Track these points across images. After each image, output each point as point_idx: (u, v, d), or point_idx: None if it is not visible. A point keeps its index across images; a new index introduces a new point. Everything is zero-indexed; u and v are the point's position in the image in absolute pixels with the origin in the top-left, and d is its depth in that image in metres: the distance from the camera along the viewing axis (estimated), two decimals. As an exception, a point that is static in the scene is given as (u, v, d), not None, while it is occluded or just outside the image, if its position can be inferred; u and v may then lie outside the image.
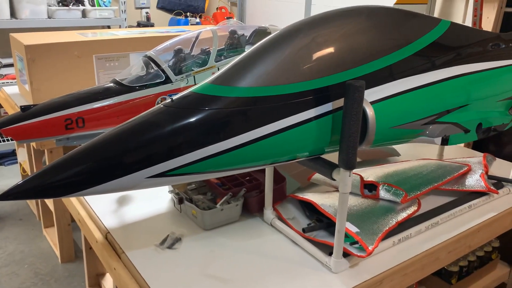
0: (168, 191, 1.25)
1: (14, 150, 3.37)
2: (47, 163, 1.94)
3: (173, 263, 1.01)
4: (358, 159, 1.56)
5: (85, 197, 1.28)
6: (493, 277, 1.55)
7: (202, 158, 0.78)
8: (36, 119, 1.17)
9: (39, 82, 2.01)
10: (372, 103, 0.92)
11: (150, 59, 1.33)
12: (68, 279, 2.08)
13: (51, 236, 2.38)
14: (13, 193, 0.72)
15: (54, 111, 1.19)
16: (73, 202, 1.30)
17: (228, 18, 4.14)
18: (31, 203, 2.71)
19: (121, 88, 1.28)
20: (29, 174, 2.51)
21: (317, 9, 3.62)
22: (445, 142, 1.03)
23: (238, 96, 0.81)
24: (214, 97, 0.80)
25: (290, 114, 0.85)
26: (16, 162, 3.02)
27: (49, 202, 2.23)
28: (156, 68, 1.33)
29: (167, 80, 1.32)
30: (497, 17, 2.51)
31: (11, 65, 3.37)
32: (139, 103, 1.28)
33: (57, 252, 2.23)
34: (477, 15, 2.46)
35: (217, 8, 4.58)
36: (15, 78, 3.20)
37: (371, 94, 0.94)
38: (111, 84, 1.31)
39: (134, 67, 1.36)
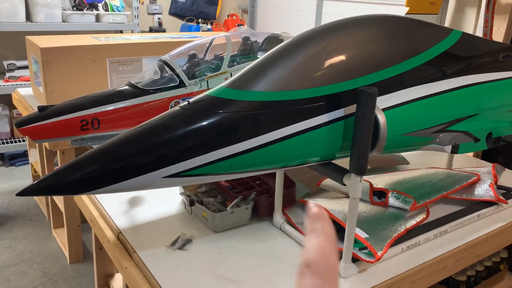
0: (179, 193, 1.27)
1: (26, 151, 3.42)
2: (59, 164, 1.98)
3: (183, 264, 1.03)
4: (368, 166, 1.57)
5: (98, 197, 1.30)
6: (501, 288, 1.55)
7: (216, 160, 0.80)
8: (53, 119, 1.20)
9: (53, 84, 2.04)
10: (383, 110, 0.94)
11: (165, 63, 1.36)
12: (76, 280, 2.10)
13: (60, 237, 2.41)
14: (34, 190, 0.74)
15: (70, 112, 1.22)
16: (85, 201, 1.32)
17: (239, 25, 4.18)
18: (41, 203, 2.74)
19: (136, 91, 1.31)
20: (40, 175, 2.55)
21: (328, 18, 3.64)
22: (455, 150, 1.04)
23: (252, 100, 0.83)
24: (229, 100, 0.82)
25: (302, 119, 0.87)
26: (28, 163, 3.06)
27: (60, 202, 2.26)
28: (170, 72, 1.35)
29: (181, 84, 1.35)
30: (508, 29, 2.51)
31: (25, 67, 3.43)
32: (153, 106, 1.31)
33: (66, 253, 2.26)
34: (488, 26, 2.47)
35: (228, 15, 4.62)
36: (29, 80, 3.26)
37: (383, 101, 0.95)
38: (126, 87, 1.33)
39: (148, 71, 1.39)
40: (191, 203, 1.20)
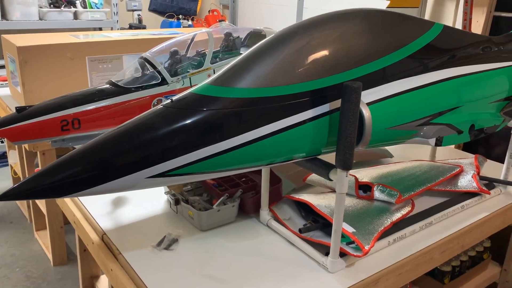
0: (164, 192, 1.25)
1: (5, 152, 3.34)
2: (39, 166, 1.93)
3: (170, 264, 1.01)
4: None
5: (80, 198, 1.27)
6: (485, 277, 1.57)
7: (201, 159, 0.78)
8: (32, 120, 1.17)
9: (32, 84, 1.99)
10: (368, 104, 0.94)
11: (146, 60, 1.34)
12: (60, 282, 2.06)
13: (43, 239, 2.36)
14: (14, 193, 0.71)
15: (49, 112, 1.19)
16: (68, 204, 1.30)
17: (220, 21, 4.15)
18: (22, 206, 2.68)
19: (117, 89, 1.28)
20: (21, 177, 2.49)
21: (309, 13, 3.64)
22: (439, 143, 1.04)
23: (236, 97, 0.82)
24: (213, 97, 0.81)
25: (287, 115, 0.86)
26: (7, 165, 2.99)
27: (42, 205, 2.21)
28: (152, 70, 1.33)
29: (163, 82, 1.32)
30: (486, 21, 2.55)
31: (1, 66, 3.34)
32: (135, 104, 1.28)
33: (49, 255, 2.21)
34: (467, 19, 2.50)
35: (209, 11, 4.58)
36: (6, 80, 3.17)
37: (367, 96, 0.95)
38: (107, 86, 1.31)
39: (129, 69, 1.37)
40: (177, 202, 1.18)
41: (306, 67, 0.90)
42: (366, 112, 0.90)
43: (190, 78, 1.37)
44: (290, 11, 3.82)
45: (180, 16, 4.36)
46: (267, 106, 0.83)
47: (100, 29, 3.79)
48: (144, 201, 1.28)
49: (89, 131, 1.24)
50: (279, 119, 0.85)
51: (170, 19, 4.28)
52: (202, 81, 0.88)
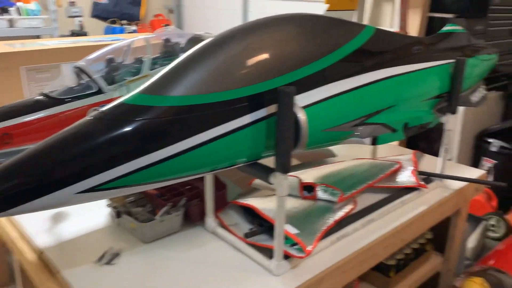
0: (106, 205, 1.21)
1: None
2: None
3: (112, 279, 0.98)
4: (297, 162, 1.60)
5: (15, 216, 1.21)
6: (428, 267, 1.64)
7: (134, 171, 0.76)
8: (-44, 137, 1.10)
9: (-39, 97, 1.88)
10: (304, 107, 0.95)
11: (80, 69, 1.29)
12: (2, 305, 1.95)
13: (-18, 261, 2.22)
14: None
15: (-24, 128, 1.12)
16: (2, 222, 1.23)
17: (165, 25, 4.09)
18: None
19: (50, 100, 1.23)
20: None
21: (254, 16, 3.67)
22: (374, 142, 1.08)
23: (170, 105, 0.81)
24: (145, 107, 0.79)
25: (225, 121, 0.86)
26: None
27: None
28: (87, 79, 1.28)
29: (99, 91, 1.28)
30: (421, 22, 2.67)
31: None
32: (70, 116, 1.24)
33: (-10, 277, 2.09)
34: (404, 20, 2.61)
35: (154, 16, 4.51)
36: None
37: (303, 99, 0.96)
38: (40, 97, 1.25)
39: (64, 79, 1.32)
40: (118, 214, 1.15)
41: (242, 72, 0.90)
42: (301, 115, 0.91)
43: (128, 86, 1.33)
44: (235, 15, 3.83)
45: (124, 22, 4.26)
46: (202, 113, 0.83)
47: (38, 37, 3.64)
48: (86, 215, 1.23)
49: (22, 145, 1.18)
50: (215, 126, 0.85)
51: (113, 25, 4.18)
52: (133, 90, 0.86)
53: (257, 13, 3.68)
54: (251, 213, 1.20)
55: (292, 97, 0.86)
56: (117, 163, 0.74)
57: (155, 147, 0.77)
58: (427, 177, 1.47)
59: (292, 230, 1.07)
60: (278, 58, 0.96)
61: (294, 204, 1.23)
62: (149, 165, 0.78)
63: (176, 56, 1.49)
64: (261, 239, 1.11)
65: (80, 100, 1.25)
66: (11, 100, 1.95)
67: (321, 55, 1.01)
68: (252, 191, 1.39)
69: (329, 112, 1.01)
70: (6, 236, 1.20)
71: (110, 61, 1.33)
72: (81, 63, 1.29)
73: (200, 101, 0.83)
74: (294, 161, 1.59)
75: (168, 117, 0.79)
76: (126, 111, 0.78)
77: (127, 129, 0.75)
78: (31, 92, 2.04)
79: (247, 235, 1.09)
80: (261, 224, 1.15)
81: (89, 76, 1.28)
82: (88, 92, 1.26)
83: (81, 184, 0.73)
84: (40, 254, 1.08)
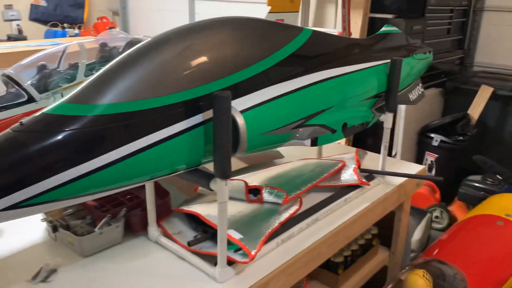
0: (41, 220, 1.15)
1: None
2: None
3: (47, 298, 0.93)
4: (244, 164, 1.59)
5: None
6: (376, 262, 1.68)
7: (61, 184, 0.73)
8: None
9: None
10: (242, 111, 0.94)
11: (9, 78, 1.22)
12: None
13: None
14: None
15: None
16: None
17: (110, 28, 3.98)
18: None
19: (-24, 111, 1.16)
20: None
21: (201, 18, 3.64)
22: (314, 143, 1.09)
23: (99, 114, 0.78)
24: (71, 117, 0.75)
25: (160, 128, 0.84)
26: None
27: None
28: (16, 87, 1.22)
29: (31, 100, 1.22)
30: (363, 22, 2.74)
31: None
32: (2, 126, 1.16)
33: None
34: (346, 21, 2.67)
35: (97, 18, 4.37)
36: None
37: (241, 103, 0.96)
38: (-36, 108, 1.17)
39: (-9, 88, 1.24)
40: (54, 229, 1.09)
41: (177, 77, 0.89)
42: (239, 120, 0.91)
43: (62, 94, 1.27)
44: (182, 17, 3.78)
45: (65, 25, 4.10)
46: (137, 120, 0.80)
47: (-29, 42, 3.43)
48: (20, 231, 1.17)
49: None
50: (150, 133, 0.83)
51: (54, 28, 4.01)
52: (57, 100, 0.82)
53: (204, 15, 3.66)
54: (195, 220, 1.18)
55: (228, 101, 0.85)
56: (42, 177, 0.70)
57: (83, 158, 0.74)
58: (369, 175, 1.50)
59: (235, 235, 1.06)
60: (213, 62, 0.95)
61: (239, 208, 1.22)
62: (78, 177, 0.74)
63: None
64: (205, 246, 1.09)
65: (9, 110, 1.18)
66: None
67: (258, 59, 1.01)
68: (198, 196, 1.37)
69: (268, 115, 1.01)
70: None
71: (42, 67, 1.27)
72: (9, 70, 1.22)
73: (131, 108, 0.81)
74: (241, 164, 1.58)
75: (97, 126, 0.76)
76: (49, 122, 0.74)
77: (51, 141, 0.72)
78: (-39, 101, 1.92)
79: (190, 243, 1.07)
80: (205, 231, 1.13)
81: (19, 85, 1.21)
82: (18, 101, 1.20)
83: (2, 202, 0.68)
84: (-31, 276, 1.01)
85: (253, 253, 1.02)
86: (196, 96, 0.89)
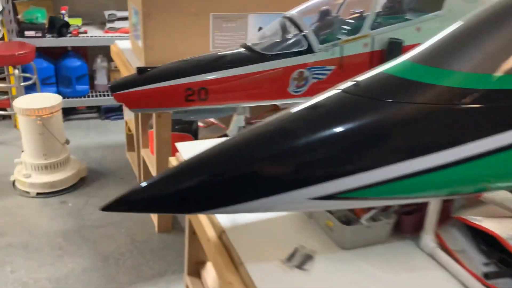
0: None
1: (121, 105, 3.38)
2: (153, 127, 1.81)
3: (304, 291, 0.78)
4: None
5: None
6: None
7: (395, 178, 0.51)
8: (153, 85, 0.98)
9: (153, 38, 1.86)
10: None
11: (291, 21, 1.07)
12: (163, 251, 1.98)
13: (150, 201, 2.30)
14: (123, 203, 0.52)
15: (173, 77, 0.99)
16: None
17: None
18: (133, 163, 2.65)
19: (252, 55, 1.04)
20: (134, 134, 2.44)
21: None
22: None
23: (457, 86, 0.52)
24: (424, 84, 0.52)
25: None
26: (123, 118, 3.00)
27: (152, 167, 2.13)
28: (296, 33, 1.06)
29: (309, 49, 1.05)
30: None
31: (125, 18, 3.33)
32: (271, 76, 1.03)
33: (155, 221, 2.15)
34: None
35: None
36: (128, 32, 3.15)
37: None
38: (240, 50, 1.07)
39: (268, 31, 1.11)
40: (314, 206, 0.93)
41: None
42: None
43: (341, 47, 1.07)
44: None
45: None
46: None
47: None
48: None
49: (216, 104, 1.02)
50: None
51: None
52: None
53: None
54: (484, 239, 0.88)
55: None
56: (378, 163, 0.49)
57: (431, 148, 0.50)
58: None
59: None
60: None
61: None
62: (415, 174, 0.51)
63: (402, 14, 1.17)
64: (503, 283, 0.79)
65: (285, 59, 1.04)
66: (200, 46, 1.88)
67: None
68: (477, 203, 1.06)
69: None
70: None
71: (324, 13, 1.08)
72: (292, 13, 1.07)
73: (504, 85, 0.53)
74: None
75: (452, 104, 0.51)
76: (396, 88, 0.52)
77: (400, 117, 0.49)
78: (215, 40, 1.96)
79: (489, 276, 0.78)
80: (503, 261, 0.83)
81: (300, 30, 1.05)
82: (295, 50, 1.04)
83: (322, 188, 0.50)
84: (221, 234, 0.93)
85: None
86: None
